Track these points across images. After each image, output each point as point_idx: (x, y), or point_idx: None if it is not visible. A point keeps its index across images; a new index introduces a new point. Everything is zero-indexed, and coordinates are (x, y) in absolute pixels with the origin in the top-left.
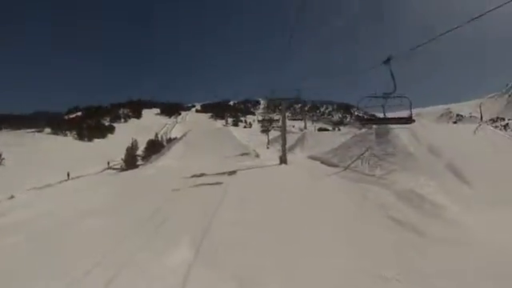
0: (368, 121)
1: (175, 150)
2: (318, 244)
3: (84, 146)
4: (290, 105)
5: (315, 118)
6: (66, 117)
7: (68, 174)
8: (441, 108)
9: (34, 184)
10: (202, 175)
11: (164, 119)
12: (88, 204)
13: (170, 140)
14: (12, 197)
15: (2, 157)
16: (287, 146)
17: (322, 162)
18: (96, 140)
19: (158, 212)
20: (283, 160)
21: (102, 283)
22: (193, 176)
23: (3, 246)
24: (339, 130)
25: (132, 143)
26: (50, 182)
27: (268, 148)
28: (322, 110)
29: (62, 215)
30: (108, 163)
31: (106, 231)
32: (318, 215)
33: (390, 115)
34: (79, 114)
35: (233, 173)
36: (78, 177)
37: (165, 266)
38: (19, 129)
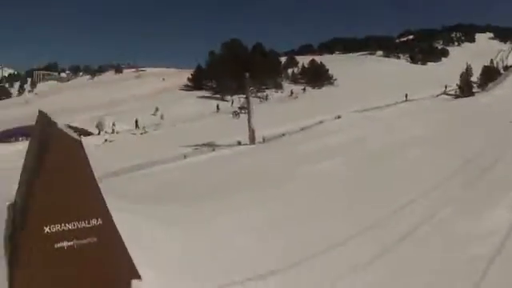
0: None
1: None
2: None
3: (417, 69)
4: None
5: None
6: (398, 40)
7: (406, 96)
8: None
9: (362, 105)
10: None
11: (498, 45)
12: (415, 130)
13: (506, 68)
14: (338, 117)
15: (334, 78)
16: None
17: None
18: (430, 63)
19: (488, 149)
20: None
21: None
22: None
23: (320, 169)
24: None
25: (466, 69)
26: (379, 105)
27: None
28: None
29: (381, 142)
30: (445, 87)
31: (429, 165)
32: None
33: None
34: (410, 37)
35: None
36: (411, 100)
37: (480, 224)
38: (351, 52)
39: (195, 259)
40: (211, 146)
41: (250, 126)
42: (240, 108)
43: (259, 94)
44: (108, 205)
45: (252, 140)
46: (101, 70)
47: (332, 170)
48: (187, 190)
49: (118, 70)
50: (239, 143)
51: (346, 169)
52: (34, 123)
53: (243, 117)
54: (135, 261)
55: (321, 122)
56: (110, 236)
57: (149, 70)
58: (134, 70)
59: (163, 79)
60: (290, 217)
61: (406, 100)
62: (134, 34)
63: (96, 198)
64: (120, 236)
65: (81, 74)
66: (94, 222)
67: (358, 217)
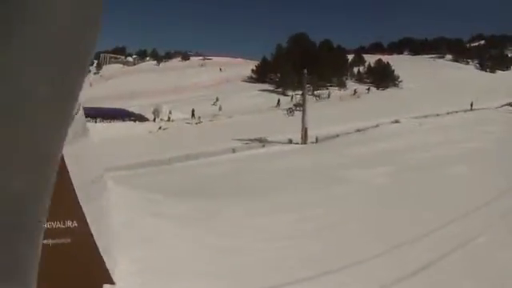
0: None
1: None
2: None
3: (486, 76)
4: None
5: None
6: (468, 45)
7: (471, 104)
8: None
9: (424, 111)
10: None
11: None
12: (470, 143)
13: None
14: (396, 121)
15: (400, 79)
16: None
17: None
18: (499, 72)
19: None
20: None
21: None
22: None
23: (365, 176)
24: None
25: None
26: (441, 112)
27: None
28: None
29: (434, 152)
30: None
31: (474, 185)
32: None
33: None
34: (482, 42)
35: None
36: (474, 109)
37: None
38: (420, 53)
39: (195, 266)
40: (262, 141)
41: (303, 125)
42: (295, 105)
43: (316, 92)
44: (136, 197)
45: (304, 139)
46: (168, 56)
47: (376, 178)
48: (224, 187)
49: (185, 57)
50: (290, 141)
51: (392, 179)
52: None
53: (298, 114)
54: (127, 260)
55: (377, 126)
56: (83, 239)
57: (215, 59)
58: (200, 58)
59: (223, 69)
60: (319, 226)
61: (471, 109)
62: (205, 21)
63: (72, 201)
64: (94, 240)
65: (147, 59)
66: (69, 223)
67: (387, 234)
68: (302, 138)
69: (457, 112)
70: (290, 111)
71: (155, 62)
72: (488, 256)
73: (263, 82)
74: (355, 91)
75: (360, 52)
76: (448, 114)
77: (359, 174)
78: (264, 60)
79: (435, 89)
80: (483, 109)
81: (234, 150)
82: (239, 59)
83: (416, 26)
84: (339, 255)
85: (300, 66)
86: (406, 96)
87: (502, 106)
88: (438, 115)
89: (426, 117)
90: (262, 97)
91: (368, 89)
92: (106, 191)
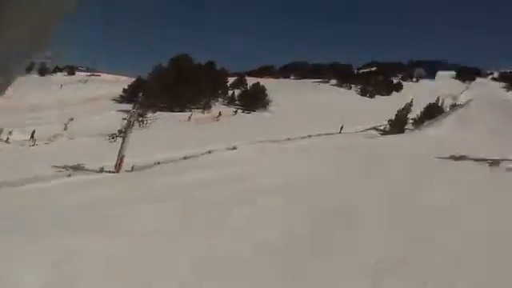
0: None
1: (451, 119)
2: None
3: (364, 101)
4: None
5: None
6: (356, 71)
7: (341, 128)
8: None
9: (279, 135)
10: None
11: (458, 84)
12: (300, 170)
13: (453, 106)
14: (234, 148)
15: (271, 104)
16: None
17: None
18: (378, 97)
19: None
20: None
21: None
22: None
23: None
24: None
25: (406, 104)
26: (296, 136)
27: None
28: None
29: (250, 183)
30: (391, 121)
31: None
32: None
33: None
34: (373, 69)
35: None
36: (340, 133)
37: None
38: (304, 78)
39: None
40: (76, 169)
41: (120, 152)
42: (119, 131)
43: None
44: None
45: (118, 168)
46: (56, 69)
47: (149, 217)
48: None
49: (71, 72)
50: (102, 170)
51: (165, 218)
52: None
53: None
54: None
55: (209, 153)
56: None
57: (103, 75)
58: (87, 74)
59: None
60: None
61: (340, 132)
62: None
63: None
64: None
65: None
66: None
67: None
68: (115, 166)
69: (310, 136)
70: (113, 137)
71: (38, 75)
72: None
73: (132, 101)
74: (220, 113)
75: (244, 75)
76: (302, 138)
77: (130, 211)
78: (139, 79)
79: (302, 112)
80: (343, 133)
81: (36, 179)
82: (127, 77)
83: (313, 52)
84: None
85: (171, 86)
86: (271, 119)
87: (364, 130)
88: (288, 139)
89: (273, 142)
90: (119, 117)
91: (235, 111)
92: None
